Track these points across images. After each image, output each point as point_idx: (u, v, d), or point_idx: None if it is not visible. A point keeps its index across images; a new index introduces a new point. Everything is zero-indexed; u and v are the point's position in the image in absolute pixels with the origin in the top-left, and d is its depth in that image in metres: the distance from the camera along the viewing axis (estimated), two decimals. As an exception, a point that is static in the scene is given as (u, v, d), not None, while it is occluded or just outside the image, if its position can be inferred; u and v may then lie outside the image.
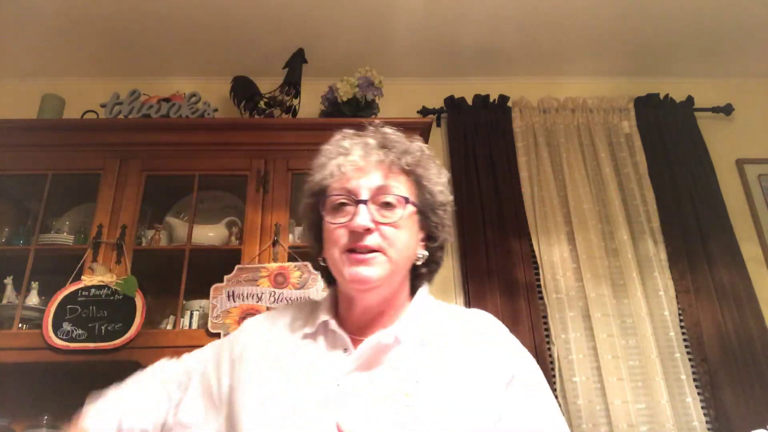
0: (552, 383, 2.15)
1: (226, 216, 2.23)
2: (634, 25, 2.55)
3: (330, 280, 0.95)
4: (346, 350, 0.84)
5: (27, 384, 2.05)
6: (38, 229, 2.12)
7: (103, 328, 1.89)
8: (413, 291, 0.93)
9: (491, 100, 2.69)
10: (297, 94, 2.41)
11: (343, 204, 0.85)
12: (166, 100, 2.39)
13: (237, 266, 1.97)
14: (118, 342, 1.86)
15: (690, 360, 2.26)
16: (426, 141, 0.95)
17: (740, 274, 2.36)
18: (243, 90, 2.46)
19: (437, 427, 0.73)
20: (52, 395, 2.05)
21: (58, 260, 2.05)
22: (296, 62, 2.43)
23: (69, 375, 2.05)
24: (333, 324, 0.87)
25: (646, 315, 2.27)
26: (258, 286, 1.92)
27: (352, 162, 0.86)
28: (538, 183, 2.52)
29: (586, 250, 2.39)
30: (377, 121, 0.94)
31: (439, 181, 0.92)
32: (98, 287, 1.95)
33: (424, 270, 0.93)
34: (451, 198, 0.94)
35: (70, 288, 1.95)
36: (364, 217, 0.82)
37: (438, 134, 2.69)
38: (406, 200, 0.86)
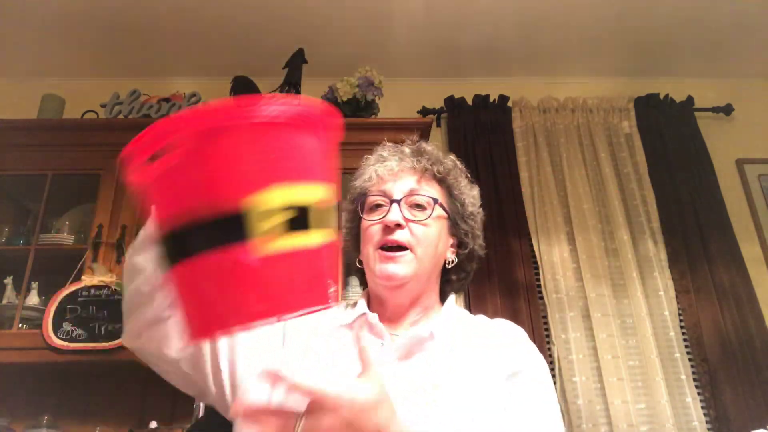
0: (552, 383, 2.15)
1: (226, 216, 2.23)
2: (634, 25, 2.55)
3: (364, 282, 1.00)
4: (382, 344, 0.88)
5: (27, 384, 2.05)
6: (38, 229, 2.12)
7: (103, 328, 1.89)
8: (443, 297, 0.98)
9: (491, 100, 2.69)
10: (297, 94, 2.41)
11: (379, 205, 0.93)
12: (166, 100, 2.39)
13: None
14: (118, 342, 1.85)
15: (690, 360, 2.26)
16: (426, 141, 1.00)
17: (740, 274, 2.36)
18: (243, 90, 2.45)
19: (458, 422, 0.76)
20: (52, 395, 2.05)
21: (58, 260, 2.06)
22: (296, 62, 2.43)
23: (69, 375, 2.05)
24: (372, 316, 0.90)
25: (646, 315, 2.27)
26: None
27: (389, 167, 0.95)
28: (538, 183, 2.52)
29: (586, 250, 2.39)
30: (414, 137, 1.02)
31: (470, 192, 0.99)
32: (98, 287, 1.95)
33: (453, 277, 0.99)
34: (481, 211, 1.01)
35: (70, 288, 1.95)
36: (395, 213, 0.90)
37: (438, 134, 2.69)
38: (435, 201, 0.93)
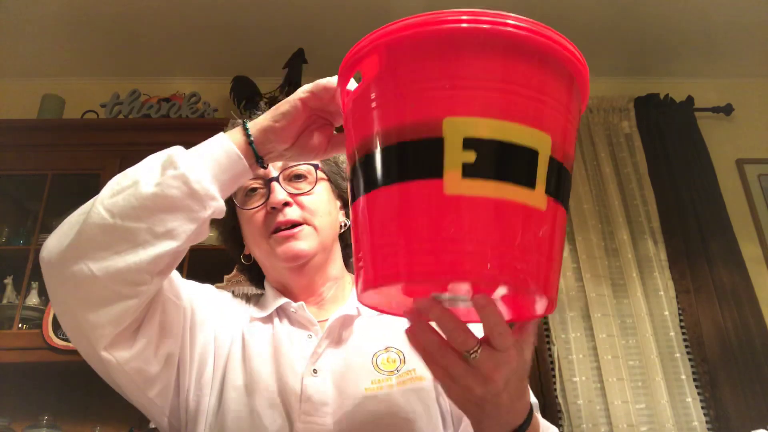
0: (552, 383, 2.16)
1: (226, 216, 2.23)
2: (634, 25, 2.55)
3: (257, 279, 0.94)
4: (309, 335, 0.82)
5: (27, 384, 2.05)
6: (38, 229, 2.12)
7: (103, 328, 1.89)
8: (346, 261, 0.93)
9: (491, 100, 2.69)
10: (297, 94, 2.41)
11: (254, 189, 0.85)
12: (166, 100, 2.39)
13: (237, 266, 1.96)
14: (118, 342, 1.86)
15: (690, 360, 2.26)
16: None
17: (740, 274, 2.36)
18: (243, 90, 2.46)
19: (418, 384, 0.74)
20: (52, 395, 2.05)
21: (58, 260, 2.05)
22: (296, 62, 2.43)
23: (69, 375, 2.05)
24: (297, 305, 0.83)
25: (646, 315, 2.27)
26: (258, 286, 1.92)
27: None
28: (538, 183, 2.52)
29: (586, 250, 2.39)
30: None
31: None
32: (98, 287, 1.95)
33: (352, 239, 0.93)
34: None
35: (70, 288, 1.95)
36: (279, 191, 0.82)
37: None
38: (316, 167, 0.87)
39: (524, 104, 0.49)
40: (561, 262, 0.53)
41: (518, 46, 0.49)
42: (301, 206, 0.84)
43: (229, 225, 0.91)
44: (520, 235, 0.47)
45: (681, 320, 2.33)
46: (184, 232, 0.62)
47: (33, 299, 2.03)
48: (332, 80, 0.64)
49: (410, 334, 0.54)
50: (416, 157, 0.49)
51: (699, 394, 2.19)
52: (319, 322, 0.83)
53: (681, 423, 2.13)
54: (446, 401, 0.76)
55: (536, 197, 0.48)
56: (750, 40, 2.66)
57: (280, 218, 0.82)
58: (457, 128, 0.48)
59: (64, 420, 2.01)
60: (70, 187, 2.23)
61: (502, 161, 0.47)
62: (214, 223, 0.84)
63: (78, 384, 2.07)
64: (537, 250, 0.49)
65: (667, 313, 2.30)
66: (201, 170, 0.62)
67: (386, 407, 0.72)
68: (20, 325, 1.97)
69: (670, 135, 2.65)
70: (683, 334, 2.31)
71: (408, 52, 0.51)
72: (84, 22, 2.43)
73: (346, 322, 0.82)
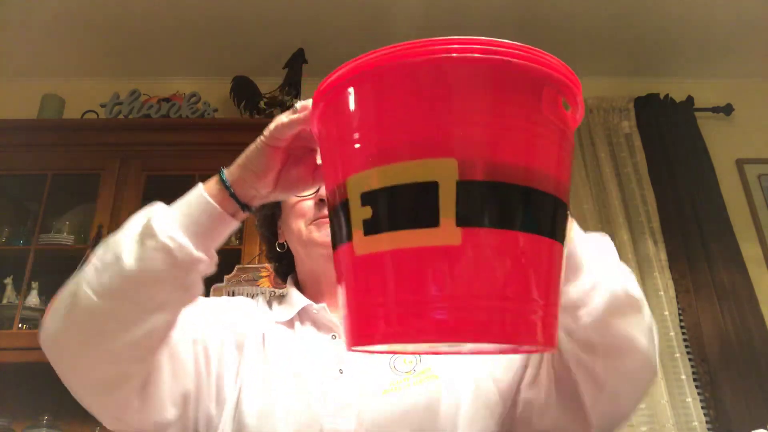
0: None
1: (226, 216, 2.23)
2: (634, 25, 2.55)
3: (285, 270, 0.93)
4: (334, 336, 0.81)
5: (27, 384, 2.05)
6: (38, 229, 2.12)
7: (103, 328, 1.89)
8: None
9: (491, 100, 2.69)
10: (297, 94, 2.41)
11: None
12: (166, 100, 2.39)
13: (237, 266, 1.96)
14: (118, 342, 1.86)
15: (690, 360, 2.26)
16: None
17: (740, 274, 2.36)
18: (243, 90, 2.46)
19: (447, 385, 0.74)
20: (52, 395, 2.05)
21: (58, 260, 2.06)
22: (296, 62, 2.43)
23: (69, 375, 2.05)
24: (319, 307, 0.82)
25: (646, 315, 2.27)
26: (258, 286, 1.92)
27: None
28: (538, 183, 2.52)
29: (586, 250, 2.38)
30: None
31: None
32: (98, 287, 1.95)
33: None
34: None
35: (70, 288, 1.95)
36: None
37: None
38: None
39: (410, 136, 0.44)
40: (525, 292, 0.44)
41: (389, 76, 0.46)
42: None
43: (269, 211, 0.91)
44: (432, 283, 0.43)
45: (681, 320, 2.33)
46: (174, 301, 0.61)
47: (33, 299, 2.03)
48: (293, 117, 0.59)
49: None
50: (338, 220, 0.48)
51: (699, 394, 2.19)
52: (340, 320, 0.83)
53: (681, 423, 2.13)
54: (492, 389, 0.75)
55: (442, 234, 0.42)
56: (750, 40, 2.66)
57: (326, 211, 0.81)
58: (354, 186, 0.46)
59: (64, 420, 2.00)
60: (70, 187, 2.23)
61: (394, 208, 0.44)
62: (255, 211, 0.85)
63: (78, 384, 2.07)
64: (462, 292, 0.43)
65: (667, 313, 2.29)
66: (181, 235, 0.58)
67: (404, 408, 0.72)
68: (20, 325, 1.97)
69: (670, 135, 2.64)
70: (683, 334, 2.31)
71: (332, 116, 0.50)
72: (84, 22, 2.43)
73: None
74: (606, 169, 2.55)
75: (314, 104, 0.53)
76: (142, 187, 2.13)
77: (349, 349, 0.48)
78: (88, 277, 0.59)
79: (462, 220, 0.42)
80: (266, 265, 1.96)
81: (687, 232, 2.43)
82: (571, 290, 0.58)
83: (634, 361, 0.62)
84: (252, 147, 0.63)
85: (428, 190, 0.43)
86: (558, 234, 0.47)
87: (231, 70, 2.54)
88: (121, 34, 2.51)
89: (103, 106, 2.36)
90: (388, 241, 0.44)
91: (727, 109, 2.76)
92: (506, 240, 0.43)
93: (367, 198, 0.45)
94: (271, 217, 0.92)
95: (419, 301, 0.43)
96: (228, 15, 2.42)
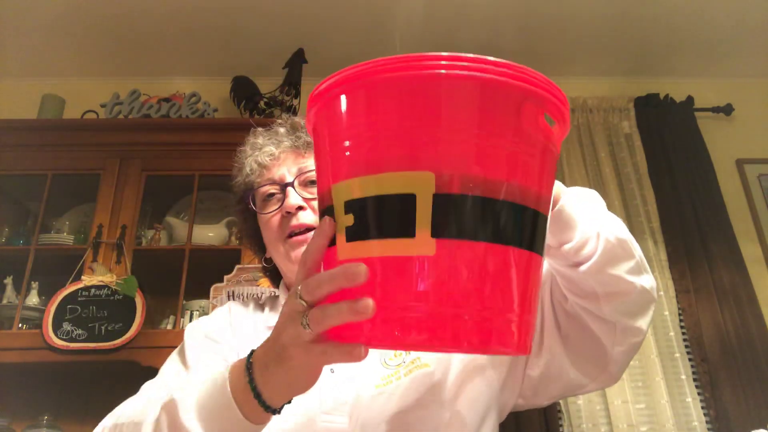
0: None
1: (226, 216, 2.23)
2: (634, 25, 2.55)
3: (278, 281, 0.95)
4: None
5: (27, 384, 2.05)
6: (38, 229, 2.12)
7: (103, 328, 1.89)
8: None
9: (491, 100, 2.69)
10: (297, 94, 2.41)
11: (272, 194, 0.87)
12: (166, 100, 2.39)
13: (237, 266, 1.97)
14: (118, 342, 1.86)
15: (690, 360, 2.26)
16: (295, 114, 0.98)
17: (740, 274, 2.36)
18: (243, 90, 2.46)
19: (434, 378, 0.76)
20: (52, 395, 2.06)
21: (58, 260, 2.06)
22: (296, 62, 2.43)
23: (69, 375, 2.05)
24: None
25: (646, 315, 2.27)
26: (258, 286, 1.92)
27: (268, 153, 0.89)
28: (538, 183, 2.52)
29: (586, 250, 2.38)
30: (284, 115, 0.98)
31: None
32: (98, 287, 1.95)
33: None
34: None
35: (70, 288, 1.95)
36: (293, 196, 0.84)
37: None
38: None
39: (392, 149, 0.46)
40: (499, 301, 0.46)
41: (383, 88, 0.48)
42: (315, 211, 0.84)
43: (251, 229, 0.94)
44: (408, 292, 0.44)
45: (681, 320, 2.33)
46: None
47: (33, 299, 2.03)
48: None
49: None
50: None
51: (699, 394, 2.19)
52: None
53: (681, 423, 2.13)
54: (494, 376, 0.79)
55: (418, 245, 0.44)
56: (750, 40, 2.66)
57: (294, 222, 0.84)
58: (338, 193, 0.48)
59: (64, 420, 2.01)
60: (70, 187, 2.23)
61: (374, 217, 0.46)
62: (237, 226, 0.86)
63: (78, 384, 2.07)
64: (437, 301, 0.44)
65: (667, 313, 2.29)
66: None
67: (397, 401, 0.73)
68: (20, 325, 1.97)
69: (670, 135, 2.65)
70: (683, 334, 2.31)
71: (324, 121, 0.52)
72: (84, 22, 2.43)
73: None
74: (606, 169, 2.55)
75: (308, 107, 0.55)
76: (141, 187, 2.13)
77: None
78: None
79: (437, 232, 0.44)
80: (266, 265, 1.96)
81: (687, 232, 2.43)
82: (567, 248, 0.65)
83: (636, 296, 0.69)
84: (300, 362, 0.53)
85: (406, 202, 0.44)
86: (536, 246, 0.48)
87: (231, 70, 2.54)
88: (121, 34, 2.51)
89: (103, 106, 2.37)
90: (368, 249, 0.46)
91: (727, 109, 2.76)
92: (480, 251, 0.45)
93: (350, 206, 0.47)
94: (255, 233, 0.94)
95: (398, 308, 0.44)
96: (228, 15, 2.42)
